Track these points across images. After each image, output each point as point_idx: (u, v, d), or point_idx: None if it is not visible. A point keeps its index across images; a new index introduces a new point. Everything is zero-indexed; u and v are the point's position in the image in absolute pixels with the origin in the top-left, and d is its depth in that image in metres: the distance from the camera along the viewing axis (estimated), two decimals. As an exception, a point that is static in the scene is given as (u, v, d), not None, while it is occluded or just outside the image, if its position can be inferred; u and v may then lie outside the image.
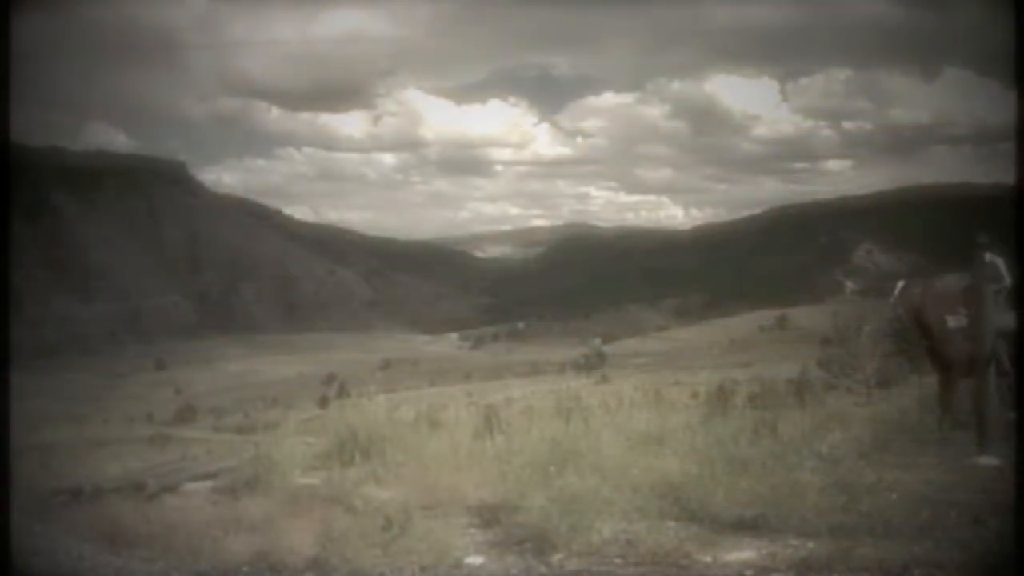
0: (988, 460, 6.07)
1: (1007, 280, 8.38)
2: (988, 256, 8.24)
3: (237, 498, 6.52)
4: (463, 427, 8.99)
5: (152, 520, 5.73)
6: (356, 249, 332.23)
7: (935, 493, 5.17)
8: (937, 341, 8.48)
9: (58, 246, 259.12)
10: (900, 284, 8.82)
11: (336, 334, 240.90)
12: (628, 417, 8.16)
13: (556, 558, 4.61)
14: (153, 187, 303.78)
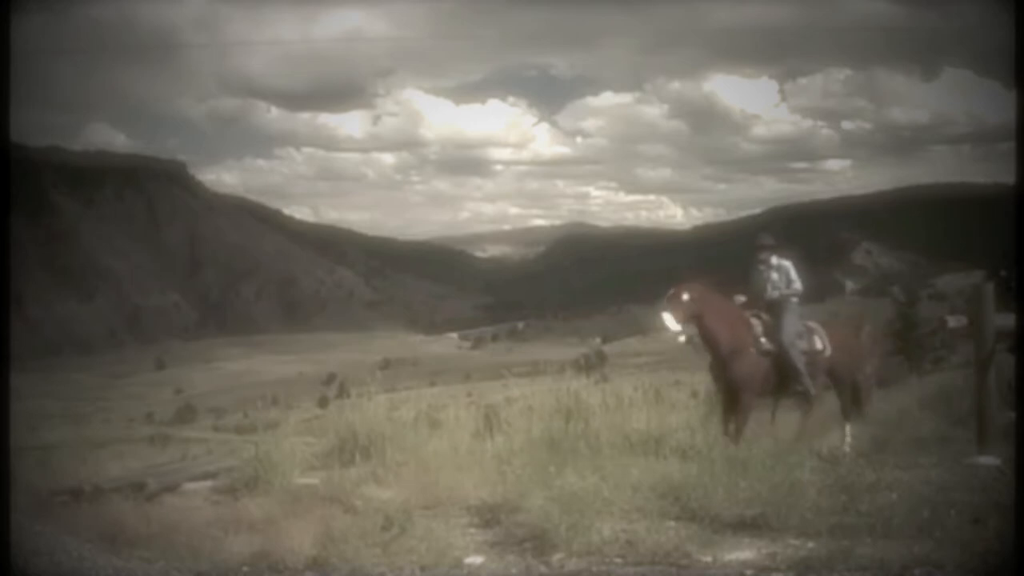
0: (988, 460, 6.07)
1: (798, 285, 7.75)
2: (775, 260, 7.84)
3: (237, 498, 6.52)
4: (463, 427, 8.99)
5: (152, 520, 5.73)
6: (356, 249, 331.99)
7: (935, 493, 5.16)
8: (727, 356, 7.42)
9: (58, 246, 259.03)
10: (671, 290, 7.51)
11: (336, 334, 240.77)
12: (628, 417, 8.15)
13: (556, 558, 4.61)
14: (153, 187, 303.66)
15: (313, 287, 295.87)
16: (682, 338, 7.51)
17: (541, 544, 4.79)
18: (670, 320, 7.28)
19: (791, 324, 7.58)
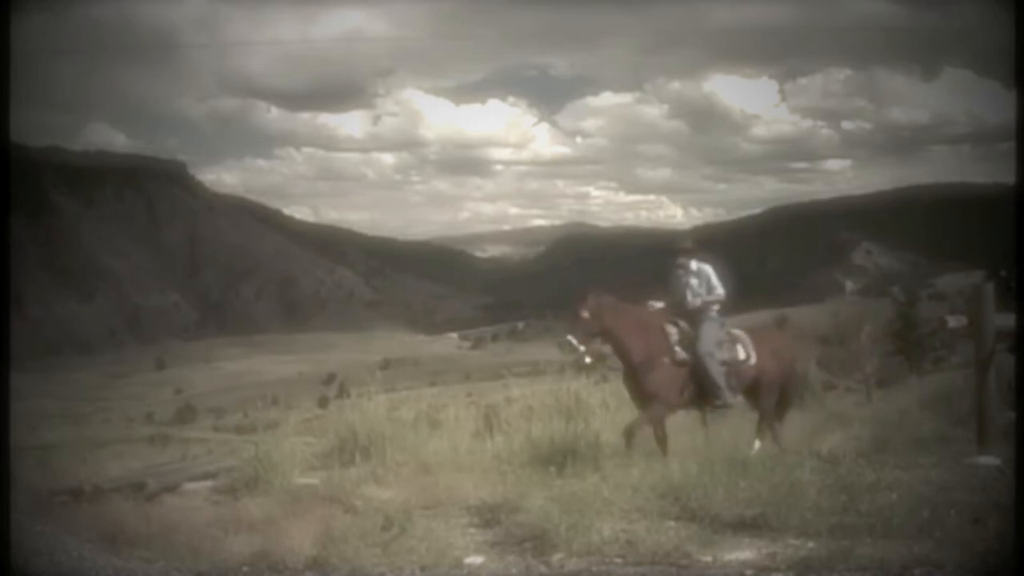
0: (988, 460, 6.07)
1: (719, 291, 7.43)
2: (695, 264, 7.51)
3: (237, 498, 6.52)
4: (463, 427, 9.01)
5: (152, 520, 5.73)
6: (356, 249, 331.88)
7: (935, 493, 5.16)
8: (639, 367, 7.12)
9: (58, 246, 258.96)
10: (589, 295, 7.24)
11: (336, 334, 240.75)
12: (628, 417, 8.14)
13: (556, 558, 4.61)
14: (153, 187, 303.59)
15: (313, 287, 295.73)
16: (587, 359, 7.33)
17: (541, 544, 4.79)
18: (574, 342, 7.04)
19: (710, 333, 7.25)
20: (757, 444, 7.33)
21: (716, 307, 7.43)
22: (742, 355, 7.41)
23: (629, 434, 7.00)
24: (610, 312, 7.15)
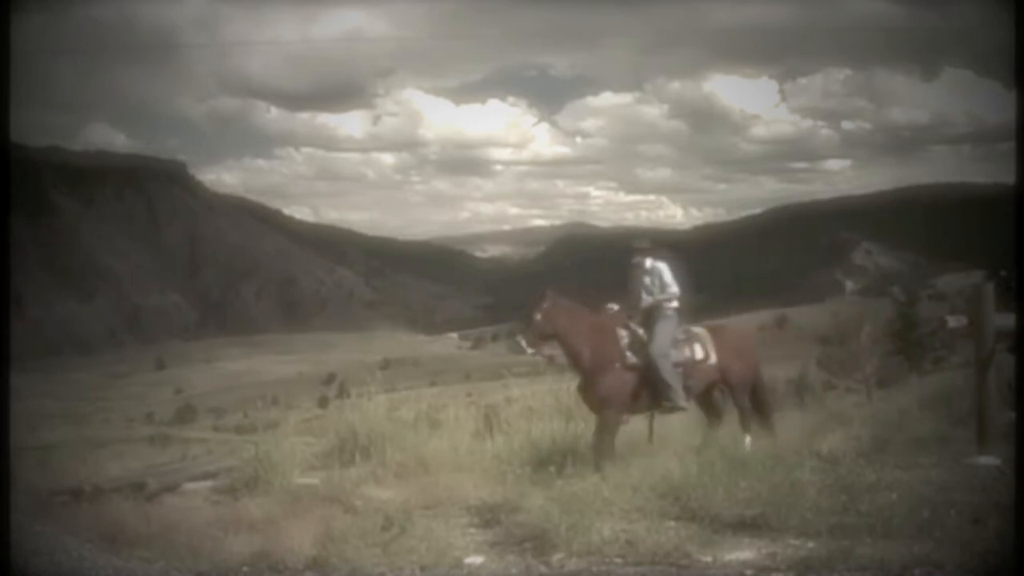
0: (988, 460, 6.06)
1: (674, 288, 7.28)
2: (649, 263, 7.38)
3: (237, 498, 6.53)
4: (463, 427, 9.01)
5: (152, 520, 5.74)
6: (356, 249, 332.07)
7: (935, 493, 5.16)
8: (590, 373, 7.02)
9: (58, 246, 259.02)
10: (544, 297, 7.13)
11: (336, 334, 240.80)
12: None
13: (556, 558, 4.61)
14: (153, 187, 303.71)
15: (313, 287, 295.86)
16: (540, 359, 7.34)
17: (541, 544, 4.79)
18: (524, 344, 6.97)
19: (664, 333, 7.10)
20: (748, 439, 7.19)
21: (673, 305, 7.30)
22: (699, 354, 7.26)
23: (601, 451, 6.85)
24: (563, 315, 7.08)
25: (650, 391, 7.04)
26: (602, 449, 6.84)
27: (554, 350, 7.36)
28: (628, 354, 7.05)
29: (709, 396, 7.59)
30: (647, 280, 7.34)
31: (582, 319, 7.18)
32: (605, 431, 6.97)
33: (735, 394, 7.49)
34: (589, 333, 7.10)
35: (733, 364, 7.43)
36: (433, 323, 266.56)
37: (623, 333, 7.14)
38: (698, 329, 7.48)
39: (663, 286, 7.29)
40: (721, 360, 7.36)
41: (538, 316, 7.01)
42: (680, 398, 7.06)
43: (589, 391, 7.13)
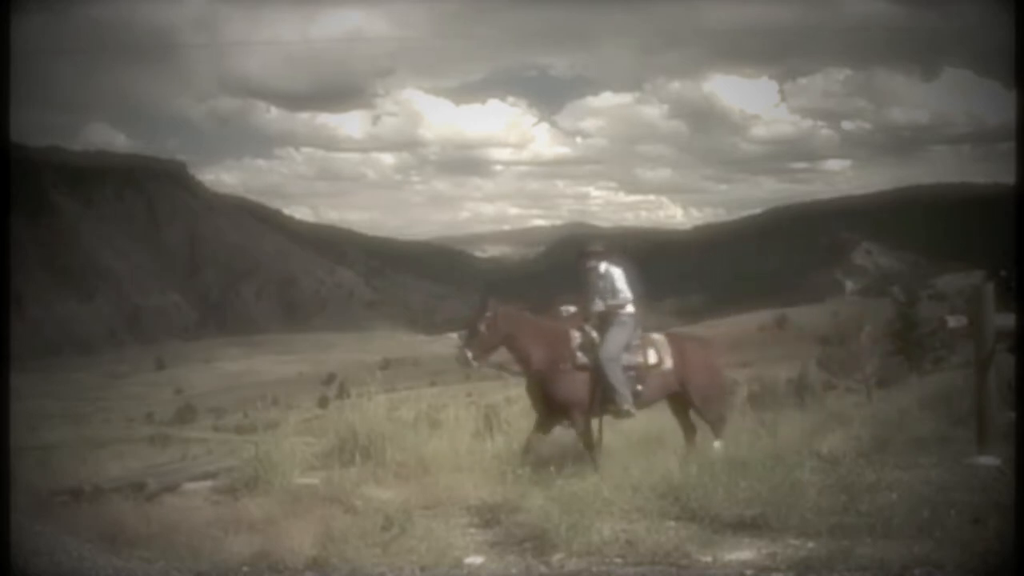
0: (988, 460, 6.07)
1: (626, 293, 7.13)
2: (603, 267, 7.24)
3: (237, 498, 6.52)
4: (463, 427, 8.98)
5: (152, 520, 5.73)
6: (356, 249, 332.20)
7: (935, 493, 5.16)
8: (541, 375, 6.97)
9: (58, 246, 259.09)
10: (487, 307, 7.09)
11: (336, 334, 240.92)
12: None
13: (556, 558, 4.61)
14: (153, 187, 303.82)
15: (313, 287, 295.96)
16: (486, 370, 7.30)
17: (541, 544, 4.79)
18: (470, 356, 6.92)
19: (615, 337, 6.98)
20: (717, 444, 7.00)
21: (628, 311, 7.14)
22: (652, 359, 7.10)
23: (589, 449, 6.89)
24: (509, 322, 7.04)
25: (599, 395, 6.93)
26: (590, 447, 6.87)
27: (502, 359, 7.27)
28: (579, 355, 6.96)
29: (684, 410, 7.43)
30: (600, 285, 7.21)
31: (529, 323, 7.18)
32: (580, 433, 6.97)
33: (692, 402, 7.30)
34: (538, 335, 7.07)
35: (690, 372, 7.23)
36: (433, 323, 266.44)
37: (575, 334, 7.06)
38: (657, 336, 7.32)
39: (615, 292, 7.13)
40: (677, 367, 7.18)
41: (482, 327, 6.97)
42: (627, 403, 6.91)
43: (538, 392, 7.06)
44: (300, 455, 7.61)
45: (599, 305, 7.15)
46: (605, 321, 7.11)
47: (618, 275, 7.20)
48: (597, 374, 6.91)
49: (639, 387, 7.03)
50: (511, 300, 7.51)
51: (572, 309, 7.35)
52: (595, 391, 6.93)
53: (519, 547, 4.91)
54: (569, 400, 6.93)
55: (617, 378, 6.89)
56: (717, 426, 7.30)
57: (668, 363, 7.15)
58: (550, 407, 7.05)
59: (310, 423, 17.10)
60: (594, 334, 7.06)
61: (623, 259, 7.44)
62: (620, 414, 7.01)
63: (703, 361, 7.44)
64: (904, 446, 7.04)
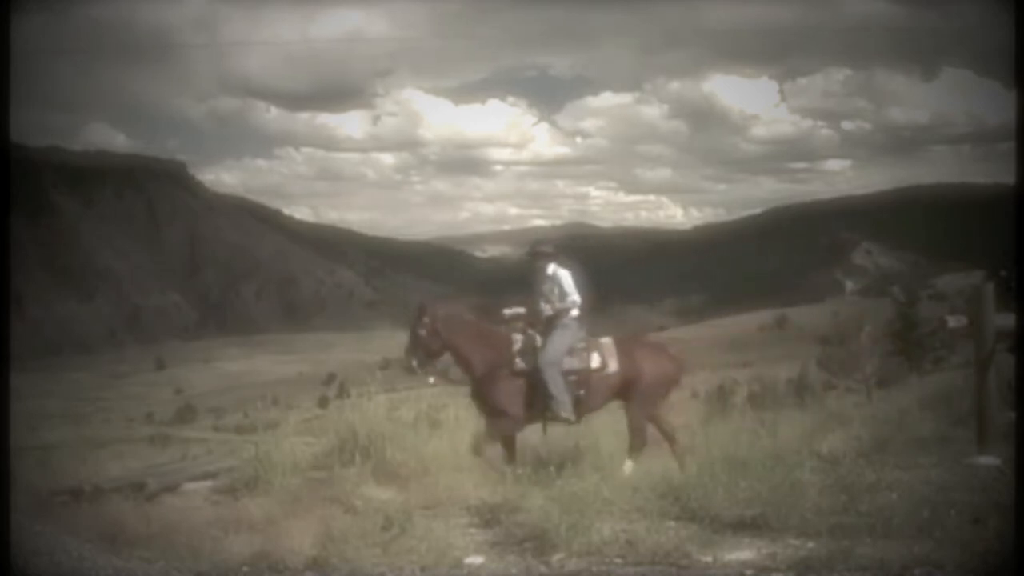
0: (988, 460, 6.06)
1: (574, 297, 6.96)
2: (551, 269, 7.08)
3: (237, 498, 6.52)
4: (463, 427, 8.98)
5: (152, 520, 5.74)
6: (356, 249, 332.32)
7: (935, 493, 5.16)
8: (481, 379, 6.86)
9: (58, 246, 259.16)
10: (425, 312, 6.97)
11: (336, 334, 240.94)
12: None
13: (556, 558, 4.61)
14: (153, 187, 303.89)
15: (313, 287, 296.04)
16: (431, 379, 7.26)
17: (541, 544, 4.79)
18: (414, 363, 6.86)
19: (557, 341, 6.82)
20: (628, 464, 6.67)
21: (573, 314, 6.97)
22: (595, 363, 6.88)
23: (476, 451, 6.82)
24: (448, 326, 6.92)
25: (538, 400, 6.77)
26: (487, 443, 6.76)
27: (447, 365, 7.21)
28: (517, 360, 6.82)
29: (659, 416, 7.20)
30: (547, 287, 7.04)
31: (470, 326, 7.04)
32: (493, 439, 6.84)
33: (632, 407, 6.99)
34: (478, 339, 6.94)
35: (637, 376, 6.93)
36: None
37: (517, 338, 6.92)
38: (605, 339, 7.10)
39: (562, 295, 6.97)
40: (623, 371, 6.92)
41: (422, 332, 6.86)
42: (564, 409, 6.73)
43: (479, 398, 6.96)
44: (300, 455, 7.62)
45: (546, 308, 6.99)
46: (550, 325, 6.95)
47: (565, 277, 7.04)
48: (535, 380, 6.74)
49: (581, 392, 6.83)
50: (512, 299, 7.35)
51: (519, 311, 7.19)
52: (533, 397, 6.77)
53: (519, 547, 4.91)
54: (501, 407, 6.78)
55: (556, 384, 6.71)
56: (637, 441, 6.89)
57: (612, 367, 6.91)
58: (486, 413, 6.92)
59: (310, 423, 17.13)
60: (537, 338, 6.90)
61: (572, 261, 7.30)
62: (558, 420, 6.83)
63: (652, 366, 7.07)
64: (904, 446, 7.04)
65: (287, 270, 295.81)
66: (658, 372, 7.06)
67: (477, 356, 6.89)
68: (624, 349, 7.03)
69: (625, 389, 6.98)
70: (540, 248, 7.31)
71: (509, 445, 6.90)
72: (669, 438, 7.08)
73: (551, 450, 7.10)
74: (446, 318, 6.98)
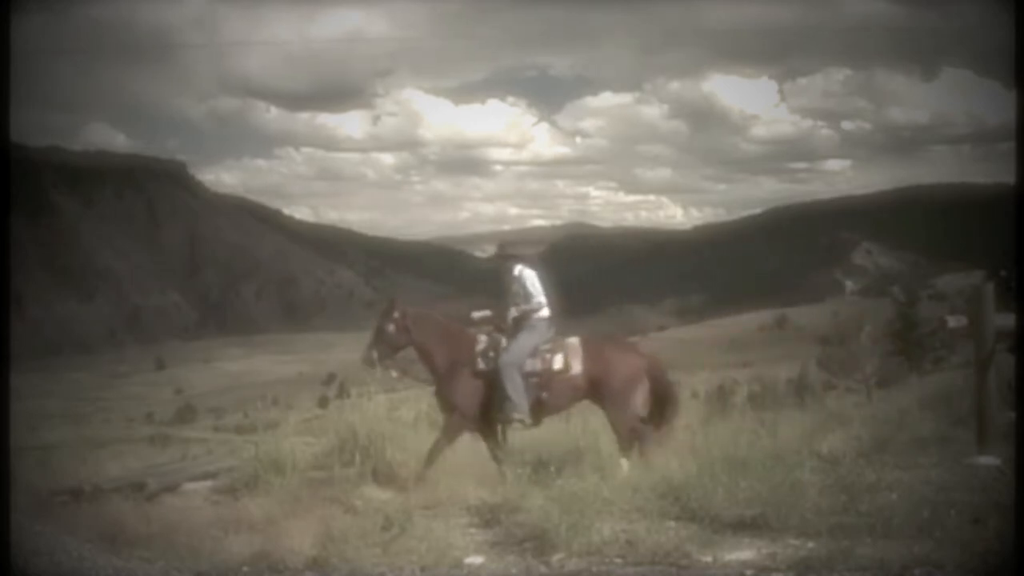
0: (988, 460, 6.06)
1: (539, 298, 6.90)
2: (518, 269, 7.02)
3: (237, 498, 6.53)
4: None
5: (152, 520, 5.74)
6: (356, 249, 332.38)
7: (935, 493, 5.15)
8: (443, 378, 6.91)
9: (58, 246, 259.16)
10: (394, 307, 7.03)
11: (336, 334, 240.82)
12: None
13: (556, 558, 4.61)
14: (153, 187, 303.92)
15: (313, 287, 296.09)
16: (394, 373, 7.32)
17: (541, 544, 4.79)
18: (375, 356, 6.93)
19: (521, 343, 6.77)
20: (624, 463, 6.53)
21: (541, 315, 6.92)
22: (558, 364, 6.79)
23: (432, 454, 6.77)
24: (416, 324, 6.98)
25: (497, 402, 6.74)
26: (433, 451, 6.72)
27: (410, 363, 7.28)
28: (479, 360, 6.80)
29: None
30: (513, 288, 6.97)
31: (437, 325, 7.09)
32: (445, 436, 6.83)
33: (605, 408, 6.93)
34: (443, 337, 6.99)
35: (603, 377, 6.81)
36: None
37: (482, 339, 6.90)
38: (572, 339, 7.00)
39: (527, 296, 6.90)
40: (587, 372, 6.81)
41: (390, 327, 6.94)
42: (518, 411, 6.66)
43: (440, 396, 7.00)
44: (300, 455, 7.63)
45: (513, 311, 6.94)
46: (516, 326, 6.91)
47: (531, 278, 6.98)
48: (494, 380, 6.71)
49: (544, 394, 6.76)
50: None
51: (487, 313, 7.19)
52: (491, 398, 6.74)
53: (519, 547, 4.91)
54: (458, 404, 6.81)
55: (513, 385, 6.65)
56: (624, 440, 6.78)
57: (576, 368, 6.81)
58: (445, 412, 6.96)
59: (310, 423, 17.11)
60: (502, 339, 6.86)
61: (538, 262, 7.24)
62: (512, 423, 6.77)
63: (620, 367, 6.91)
64: (904, 446, 7.03)
65: (287, 270, 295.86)
66: (625, 372, 6.89)
67: (441, 354, 6.93)
68: (590, 350, 6.94)
69: (593, 390, 6.90)
70: (507, 249, 7.27)
71: (445, 442, 6.85)
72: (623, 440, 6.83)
73: (551, 450, 7.10)
74: (415, 315, 7.08)
